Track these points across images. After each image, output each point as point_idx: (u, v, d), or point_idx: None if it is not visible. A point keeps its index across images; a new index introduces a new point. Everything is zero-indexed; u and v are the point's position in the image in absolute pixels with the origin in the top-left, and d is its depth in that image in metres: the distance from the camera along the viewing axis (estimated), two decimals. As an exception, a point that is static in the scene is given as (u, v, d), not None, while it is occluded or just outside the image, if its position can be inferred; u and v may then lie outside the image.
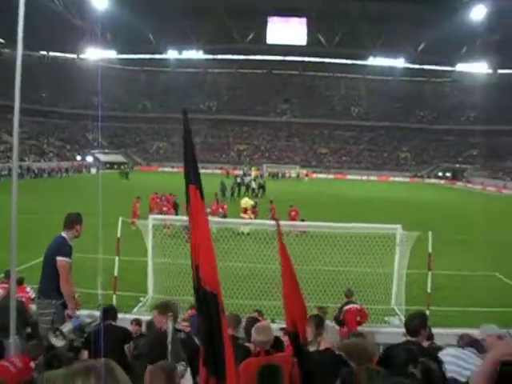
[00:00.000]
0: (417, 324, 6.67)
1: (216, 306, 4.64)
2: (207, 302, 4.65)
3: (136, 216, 27.26)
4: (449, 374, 5.69)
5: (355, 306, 11.62)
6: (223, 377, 4.50)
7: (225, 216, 29.90)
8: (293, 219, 29.50)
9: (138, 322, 9.76)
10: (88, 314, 8.03)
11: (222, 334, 4.60)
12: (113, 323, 8.13)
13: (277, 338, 7.27)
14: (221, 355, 4.55)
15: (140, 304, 14.51)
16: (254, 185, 58.40)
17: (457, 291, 17.68)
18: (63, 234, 8.43)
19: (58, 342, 6.68)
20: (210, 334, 4.62)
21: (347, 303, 11.67)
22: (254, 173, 77.16)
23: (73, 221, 8.53)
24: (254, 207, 32.02)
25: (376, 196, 63.18)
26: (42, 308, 8.22)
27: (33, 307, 9.42)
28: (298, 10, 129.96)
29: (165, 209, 30.55)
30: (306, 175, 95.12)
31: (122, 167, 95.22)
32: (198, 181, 5.14)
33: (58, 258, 8.12)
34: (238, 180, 59.04)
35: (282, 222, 16.93)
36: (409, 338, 6.63)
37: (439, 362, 5.90)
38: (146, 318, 10.33)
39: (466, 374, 5.38)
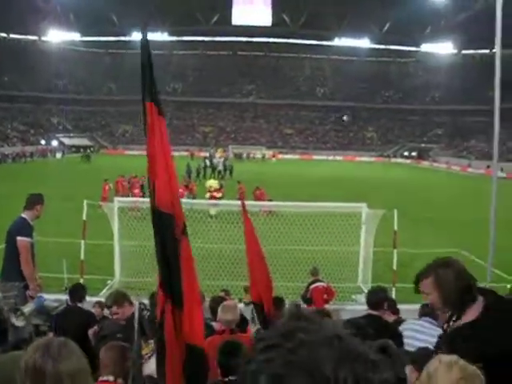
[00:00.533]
0: (378, 298, 6.78)
1: (171, 228, 4.37)
2: (162, 224, 4.39)
3: (105, 199, 27.02)
4: (405, 347, 5.78)
5: (322, 284, 11.68)
6: (179, 304, 4.28)
7: (194, 197, 29.97)
8: (258, 199, 29.80)
9: (100, 305, 9.69)
10: (55, 299, 7.98)
11: (178, 259, 4.35)
12: (79, 305, 8.02)
13: (243, 318, 7.31)
14: (177, 281, 4.30)
15: (107, 287, 14.44)
16: (220, 166, 58.17)
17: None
18: (23, 215, 8.36)
19: (18, 323, 6.62)
20: (165, 258, 4.35)
21: (313, 282, 11.71)
22: (219, 154, 77.00)
23: (33, 201, 8.46)
24: (219, 189, 32.02)
25: (342, 175, 63.53)
26: (5, 291, 8.12)
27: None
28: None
29: (136, 191, 30.42)
30: (273, 156, 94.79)
31: (83, 150, 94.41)
32: (156, 97, 4.94)
33: (18, 238, 8.06)
34: (207, 162, 58.90)
35: (249, 202, 16.98)
36: (370, 311, 6.73)
37: (398, 336, 6.00)
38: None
39: (417, 345, 5.46)
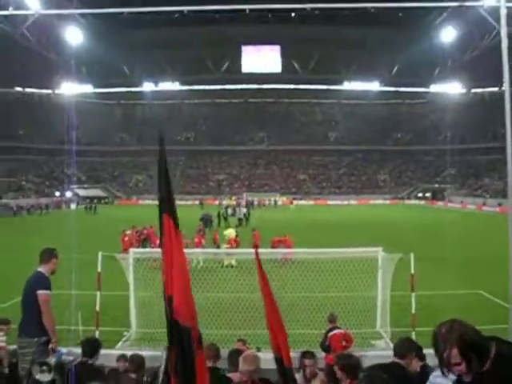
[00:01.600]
0: (405, 348, 6.69)
1: (189, 341, 4.51)
2: (180, 335, 4.52)
3: (126, 250, 26.96)
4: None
5: (340, 330, 11.50)
6: None
7: (218, 246, 30.06)
8: (255, 241, 30.41)
9: (125, 358, 9.52)
10: (68, 351, 7.90)
11: (195, 370, 4.48)
12: (89, 361, 7.82)
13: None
14: None
15: (124, 339, 14.30)
16: (241, 214, 57.87)
17: (441, 311, 17.61)
18: (40, 269, 8.32)
19: (44, 377, 6.53)
20: (183, 367, 4.47)
21: (331, 329, 11.54)
22: (226, 202, 78.04)
23: (49, 255, 8.44)
24: (235, 237, 32.01)
25: (358, 219, 63.45)
26: (23, 347, 8.05)
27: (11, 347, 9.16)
28: (271, 37, 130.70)
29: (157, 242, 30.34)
30: (291, 202, 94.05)
31: (96, 201, 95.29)
32: (172, 209, 5.06)
33: (39, 292, 8.02)
34: (228, 211, 58.78)
35: (263, 250, 16.85)
36: (395, 359, 6.63)
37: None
38: (129, 352, 10.16)
39: None
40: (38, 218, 69.70)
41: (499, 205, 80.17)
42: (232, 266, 23.04)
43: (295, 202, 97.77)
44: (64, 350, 8.30)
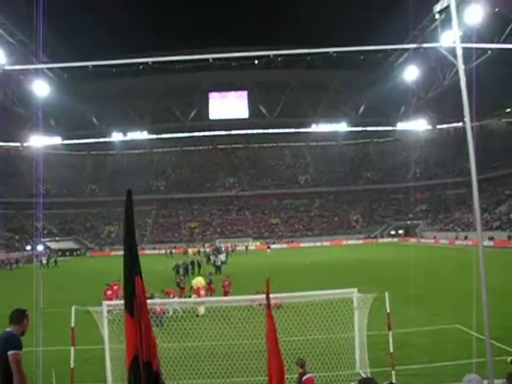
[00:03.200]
0: None
1: None
2: None
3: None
4: None
5: (311, 375, 11.52)
6: None
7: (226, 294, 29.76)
8: (227, 290, 30.47)
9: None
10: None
11: None
12: None
13: None
14: None
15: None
16: (218, 262, 57.18)
17: (420, 347, 17.63)
18: (9, 330, 8.13)
19: None
20: None
21: (303, 373, 11.52)
22: (191, 251, 78.35)
23: (20, 316, 8.24)
24: (209, 284, 31.69)
25: (331, 260, 63.53)
26: None
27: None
28: (237, 83, 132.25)
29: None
30: (268, 247, 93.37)
31: (68, 254, 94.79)
32: (140, 271, 5.25)
33: (10, 353, 7.80)
34: (212, 258, 58.16)
35: (242, 297, 16.79)
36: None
37: None
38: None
39: None
40: (7, 274, 68.61)
41: (465, 238, 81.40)
42: (197, 315, 22.88)
43: (274, 246, 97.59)
44: None
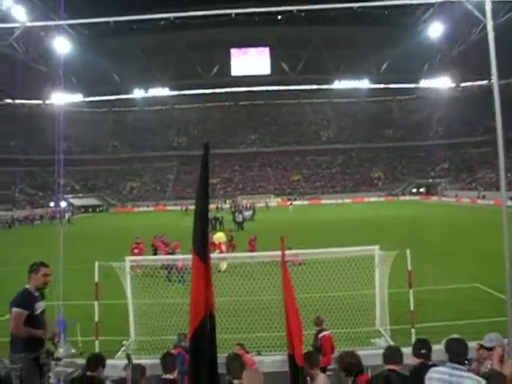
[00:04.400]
0: (396, 356, 6.84)
1: None
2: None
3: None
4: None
5: (327, 332, 11.57)
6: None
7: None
8: (252, 248, 30.54)
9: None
10: (70, 363, 7.88)
11: None
12: (90, 374, 7.73)
13: None
14: None
15: (123, 348, 14.23)
16: (242, 218, 57.38)
17: (440, 306, 17.66)
18: (26, 286, 8.29)
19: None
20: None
21: (320, 331, 11.58)
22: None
23: (31, 270, 8.39)
24: (230, 241, 31.78)
25: (353, 218, 63.48)
26: (13, 362, 8.04)
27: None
28: (259, 40, 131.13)
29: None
30: (291, 204, 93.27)
31: (91, 210, 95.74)
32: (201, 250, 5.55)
33: (12, 309, 8.00)
34: (239, 216, 58.20)
35: (261, 253, 16.89)
36: (388, 366, 6.79)
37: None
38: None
39: None
40: (31, 229, 69.45)
41: (483, 197, 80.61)
42: (219, 271, 23.06)
43: (296, 203, 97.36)
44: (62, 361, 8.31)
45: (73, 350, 7.65)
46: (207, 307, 5.49)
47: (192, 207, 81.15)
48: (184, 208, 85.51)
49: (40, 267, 8.41)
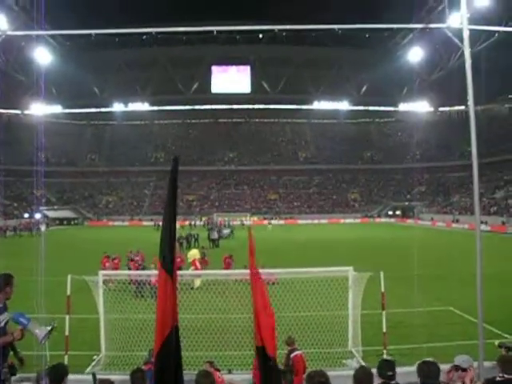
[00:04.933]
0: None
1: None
2: None
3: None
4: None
5: (299, 352, 11.54)
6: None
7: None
8: (227, 266, 30.32)
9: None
10: (35, 377, 7.78)
11: None
12: None
13: None
14: None
15: (93, 363, 14.10)
16: (215, 235, 57.34)
17: (413, 328, 17.68)
18: None
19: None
20: None
21: (291, 350, 11.55)
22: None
23: (7, 283, 8.22)
24: (203, 257, 31.75)
25: (329, 238, 63.65)
26: None
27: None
28: (240, 58, 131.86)
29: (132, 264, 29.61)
30: (269, 223, 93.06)
31: (66, 223, 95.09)
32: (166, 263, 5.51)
33: None
34: (214, 234, 57.96)
35: (236, 271, 16.93)
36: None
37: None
38: (100, 377, 9.97)
39: None
40: (3, 241, 68.72)
41: (457, 221, 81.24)
42: (192, 288, 22.93)
43: (265, 222, 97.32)
44: (29, 375, 8.20)
45: (48, 328, 7.51)
46: (174, 323, 5.47)
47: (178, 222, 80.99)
48: (156, 224, 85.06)
49: (11, 279, 8.28)
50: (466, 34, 10.94)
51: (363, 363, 13.43)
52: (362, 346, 14.58)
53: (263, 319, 7.16)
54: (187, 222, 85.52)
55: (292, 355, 11.33)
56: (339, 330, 15.10)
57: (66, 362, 12.84)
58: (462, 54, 11.20)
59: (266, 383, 7.08)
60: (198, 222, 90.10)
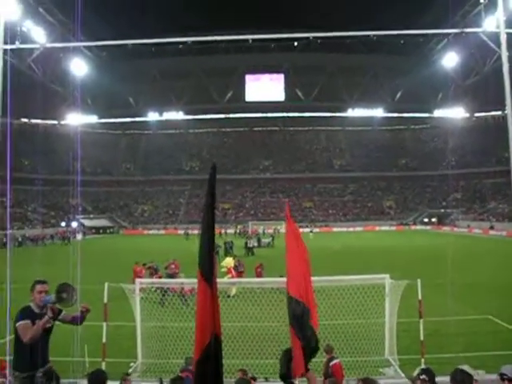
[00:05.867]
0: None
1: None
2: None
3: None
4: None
5: (337, 360, 11.46)
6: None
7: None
8: (258, 275, 30.17)
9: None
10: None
11: None
12: None
13: None
14: None
15: (130, 370, 14.16)
16: (253, 244, 57.28)
17: (450, 337, 17.46)
18: (30, 303, 8.21)
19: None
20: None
21: (330, 359, 11.47)
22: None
23: (31, 289, 8.33)
24: (236, 266, 31.75)
25: (365, 246, 63.30)
26: (13, 381, 7.95)
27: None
28: (274, 66, 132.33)
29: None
30: (311, 231, 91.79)
31: (102, 231, 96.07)
32: (204, 268, 5.52)
33: (17, 325, 7.91)
34: (252, 242, 57.87)
35: (271, 279, 16.93)
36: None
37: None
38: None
39: None
40: (43, 249, 69.53)
41: (491, 227, 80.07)
42: (228, 296, 22.93)
43: (301, 230, 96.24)
44: (69, 381, 8.23)
45: (74, 297, 7.62)
46: (213, 331, 5.44)
47: (193, 232, 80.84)
48: (185, 232, 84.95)
49: (35, 285, 8.32)
50: (503, 38, 10.82)
51: (400, 372, 13.32)
52: (398, 355, 14.44)
53: (298, 270, 7.56)
54: (218, 231, 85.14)
55: (331, 364, 11.26)
56: (376, 338, 14.98)
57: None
58: (498, 59, 11.13)
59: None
60: (228, 231, 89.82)
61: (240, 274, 30.72)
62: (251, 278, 24.31)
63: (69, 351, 10.84)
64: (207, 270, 5.50)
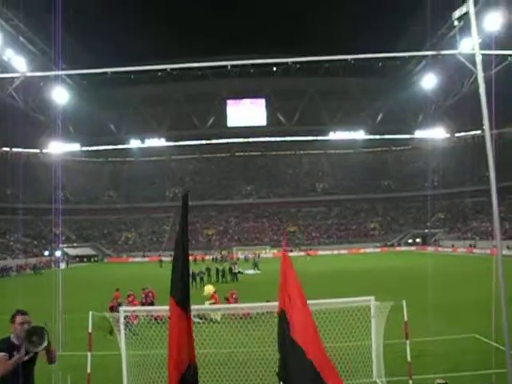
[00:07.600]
0: None
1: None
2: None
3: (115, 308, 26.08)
4: None
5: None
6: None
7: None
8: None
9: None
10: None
11: None
12: None
13: None
14: None
15: (116, 400, 14.00)
16: (236, 270, 56.94)
17: (437, 357, 17.45)
18: (10, 335, 8.08)
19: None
20: None
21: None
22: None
23: (10, 320, 8.19)
24: (214, 293, 31.59)
25: (349, 269, 63.29)
26: None
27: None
28: (255, 90, 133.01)
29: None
30: (308, 254, 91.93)
31: (86, 260, 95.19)
32: (177, 294, 5.45)
33: None
34: (236, 268, 57.48)
35: (258, 304, 16.81)
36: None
37: None
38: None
39: None
40: (26, 279, 68.88)
41: (474, 246, 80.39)
42: (213, 322, 22.78)
43: (312, 254, 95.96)
44: None
45: (44, 343, 7.42)
46: (190, 359, 5.39)
47: (166, 259, 79.75)
48: (160, 260, 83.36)
49: (16, 316, 8.19)
50: (478, 59, 10.96)
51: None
52: (386, 377, 14.38)
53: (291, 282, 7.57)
54: (192, 258, 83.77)
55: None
56: (363, 360, 14.91)
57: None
58: (476, 79, 11.21)
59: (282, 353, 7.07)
60: (206, 257, 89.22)
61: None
62: (236, 304, 24.10)
63: (52, 382, 10.70)
64: (182, 298, 5.45)
